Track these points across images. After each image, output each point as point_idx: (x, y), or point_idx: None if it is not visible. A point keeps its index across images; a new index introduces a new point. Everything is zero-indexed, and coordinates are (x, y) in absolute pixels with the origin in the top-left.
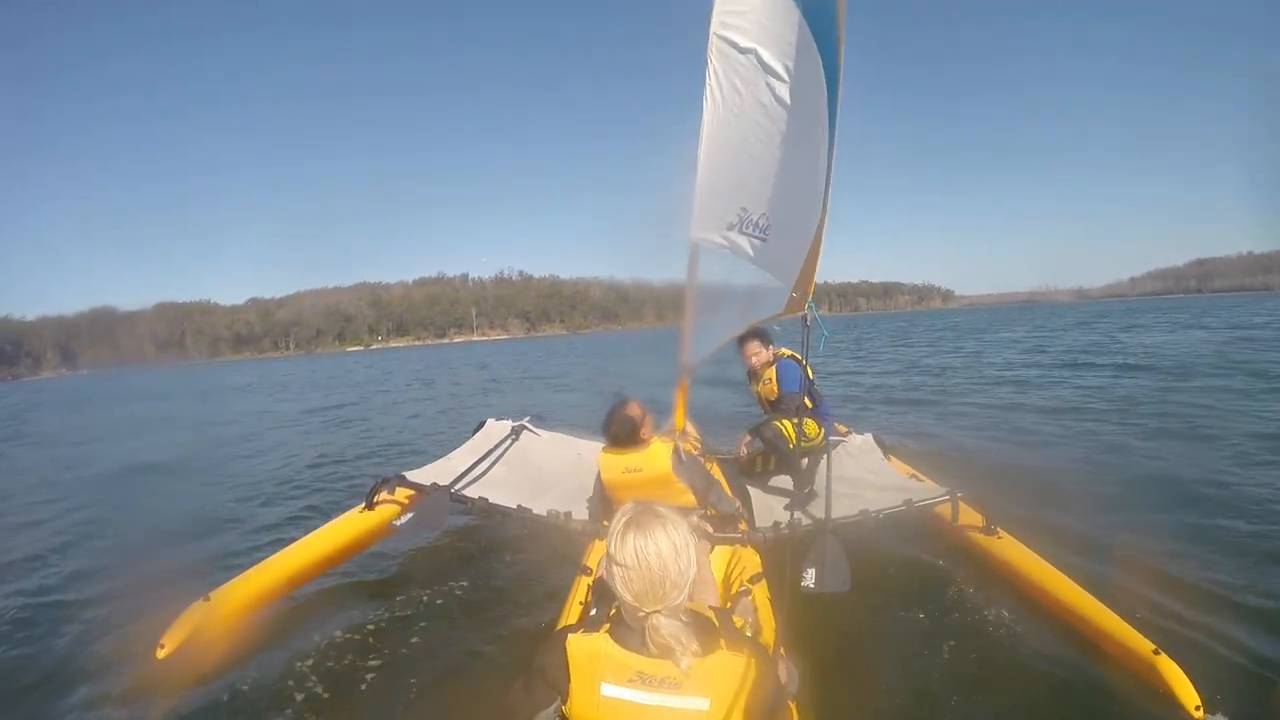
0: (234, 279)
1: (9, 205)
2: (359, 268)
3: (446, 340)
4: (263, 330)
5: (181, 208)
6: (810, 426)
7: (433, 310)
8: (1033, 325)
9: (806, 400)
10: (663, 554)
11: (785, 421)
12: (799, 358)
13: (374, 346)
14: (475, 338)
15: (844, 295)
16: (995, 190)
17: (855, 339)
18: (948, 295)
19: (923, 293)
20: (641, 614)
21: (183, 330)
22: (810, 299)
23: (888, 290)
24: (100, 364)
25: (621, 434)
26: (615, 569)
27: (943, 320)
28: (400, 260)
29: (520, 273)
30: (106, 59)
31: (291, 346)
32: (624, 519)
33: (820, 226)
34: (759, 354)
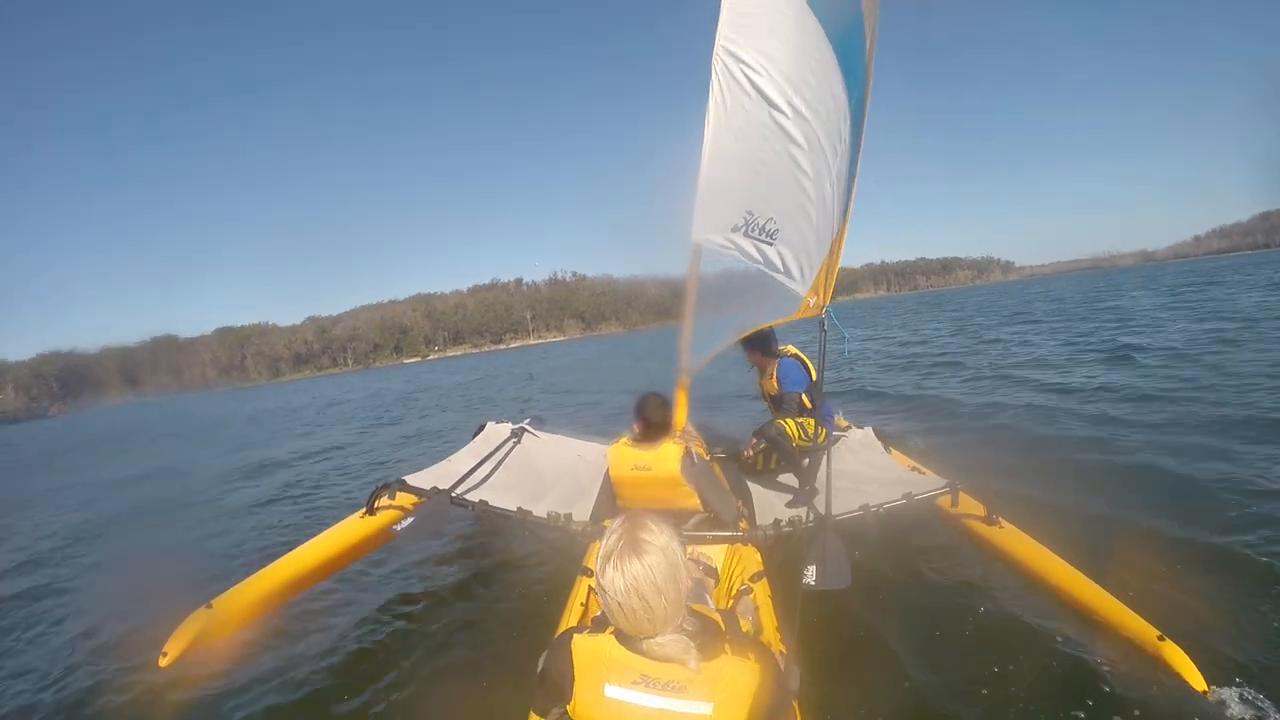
0: (291, 298)
1: (70, 243)
2: (413, 280)
3: (503, 346)
4: (321, 348)
5: (237, 231)
6: (812, 426)
7: (487, 317)
8: (1163, 289)
9: (807, 400)
10: (645, 594)
11: (789, 420)
12: (803, 356)
13: (430, 357)
14: (531, 341)
15: (902, 274)
16: (1047, 160)
17: (951, 318)
18: (1008, 267)
19: (982, 266)
20: (638, 639)
21: (243, 353)
22: (828, 305)
23: (946, 266)
24: (164, 390)
25: (656, 418)
26: (605, 599)
27: (1026, 290)
28: (453, 269)
29: (574, 274)
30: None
31: (350, 362)
32: (607, 553)
33: (841, 234)
34: (760, 360)
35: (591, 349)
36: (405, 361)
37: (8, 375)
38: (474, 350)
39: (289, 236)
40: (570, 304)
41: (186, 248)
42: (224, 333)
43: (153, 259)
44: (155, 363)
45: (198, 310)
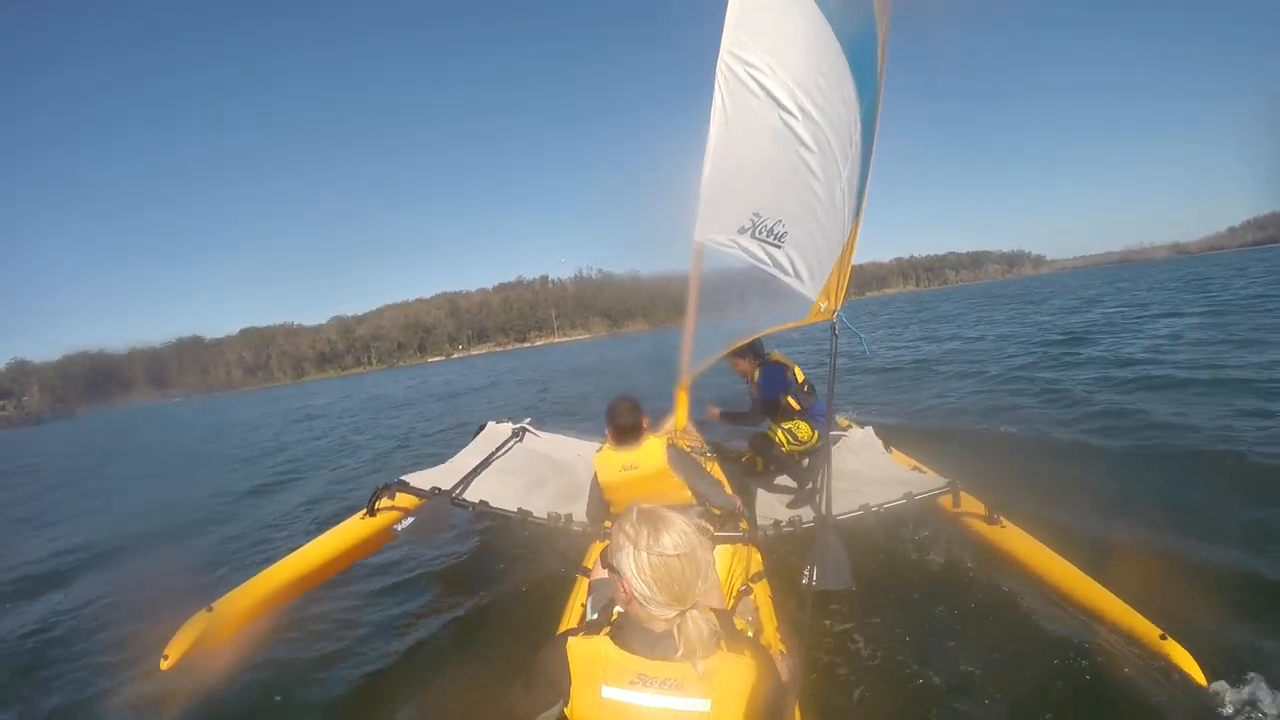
0: (315, 298)
1: (100, 245)
2: (439, 279)
3: (527, 344)
4: (345, 347)
5: (263, 232)
6: (803, 429)
7: (511, 314)
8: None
9: (794, 403)
10: (694, 548)
11: (776, 429)
12: (786, 361)
13: (455, 356)
14: (556, 340)
15: (931, 269)
16: (1075, 152)
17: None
18: (1039, 261)
19: (1013, 260)
20: (672, 615)
21: (268, 353)
22: (839, 309)
23: (976, 260)
24: (190, 390)
25: (626, 422)
26: (649, 571)
27: (1088, 282)
28: (479, 268)
29: (599, 271)
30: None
31: (374, 361)
32: (645, 525)
33: (852, 237)
34: (747, 368)
35: (614, 349)
36: (429, 360)
37: (33, 376)
38: (498, 349)
39: (314, 236)
40: (596, 302)
41: (216, 251)
42: (249, 333)
43: (182, 261)
44: (181, 363)
45: (223, 311)
